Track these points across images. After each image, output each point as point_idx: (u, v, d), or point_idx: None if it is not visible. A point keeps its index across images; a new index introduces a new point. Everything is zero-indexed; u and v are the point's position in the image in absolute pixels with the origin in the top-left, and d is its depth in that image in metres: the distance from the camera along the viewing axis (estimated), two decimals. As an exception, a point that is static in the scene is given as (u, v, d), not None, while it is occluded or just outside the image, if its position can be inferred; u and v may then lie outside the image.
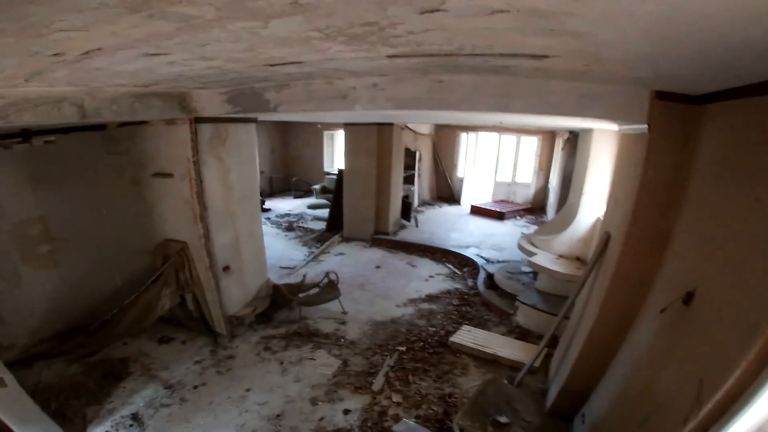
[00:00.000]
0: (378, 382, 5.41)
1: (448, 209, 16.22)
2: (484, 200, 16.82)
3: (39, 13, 1.73)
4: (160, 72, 3.55)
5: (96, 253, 6.59)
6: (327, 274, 7.54)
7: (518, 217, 15.13)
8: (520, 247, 8.02)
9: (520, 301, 7.16)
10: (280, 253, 10.54)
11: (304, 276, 7.97)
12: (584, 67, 3.05)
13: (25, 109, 3.86)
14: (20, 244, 5.84)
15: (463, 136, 17.71)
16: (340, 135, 17.86)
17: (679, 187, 3.65)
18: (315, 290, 7.47)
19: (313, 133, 18.73)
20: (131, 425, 4.68)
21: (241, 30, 2.20)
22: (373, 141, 11.51)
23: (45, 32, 1.97)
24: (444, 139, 17.89)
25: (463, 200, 17.23)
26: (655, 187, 3.78)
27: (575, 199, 7.73)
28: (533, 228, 13.55)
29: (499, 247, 11.23)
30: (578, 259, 7.26)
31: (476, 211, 15.40)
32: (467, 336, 6.42)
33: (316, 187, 16.56)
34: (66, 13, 1.76)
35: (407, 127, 13.38)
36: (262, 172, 17.41)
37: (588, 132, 7.44)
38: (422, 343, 6.36)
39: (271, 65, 3.48)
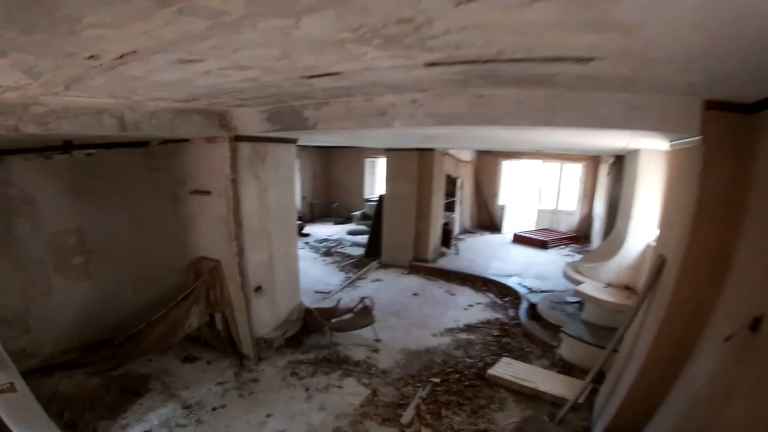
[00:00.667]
0: (408, 415, 5.08)
1: (489, 237, 15.78)
2: (527, 228, 16.32)
3: (69, 5, 1.74)
4: (197, 84, 3.49)
5: (129, 267, 6.67)
6: (362, 299, 7.33)
7: (562, 246, 14.59)
8: (566, 275, 7.61)
9: (564, 333, 6.73)
10: (317, 277, 10.40)
11: (338, 301, 7.76)
12: (631, 72, 2.82)
13: (65, 118, 3.93)
14: (55, 253, 5.98)
15: (505, 163, 17.31)
16: (381, 162, 17.84)
17: (738, 203, 3.33)
18: (349, 316, 7.25)
19: (355, 160, 18.80)
20: (142, 443, 4.53)
21: (273, 30, 2.14)
22: (413, 166, 11.37)
23: (77, 29, 1.98)
24: (485, 167, 17.55)
25: (504, 228, 16.69)
26: (713, 204, 3.46)
27: (623, 225, 7.31)
28: (578, 257, 13.03)
29: (542, 276, 10.76)
30: (627, 287, 6.82)
31: (518, 239, 14.95)
32: (506, 369, 6.03)
33: (357, 213, 16.49)
34: (95, 6, 1.77)
35: (448, 153, 13.18)
36: (303, 198, 17.70)
37: (634, 154, 7.06)
38: (458, 375, 6.00)
39: (308, 77, 3.38)
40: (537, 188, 16.97)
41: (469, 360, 6.48)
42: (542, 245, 14.17)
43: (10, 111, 3.56)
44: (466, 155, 15.84)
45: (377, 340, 7.04)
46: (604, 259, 7.15)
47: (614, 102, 3.55)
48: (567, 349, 6.61)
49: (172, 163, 6.35)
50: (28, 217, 5.66)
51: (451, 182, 14.01)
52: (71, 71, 2.82)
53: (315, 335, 7.04)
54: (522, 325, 7.77)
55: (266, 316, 6.49)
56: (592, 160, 15.52)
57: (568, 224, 16.34)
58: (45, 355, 5.82)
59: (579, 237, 15.52)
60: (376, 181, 19.05)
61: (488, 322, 8.07)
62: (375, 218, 12.49)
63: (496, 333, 7.54)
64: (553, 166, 16.55)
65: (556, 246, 14.47)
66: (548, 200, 16.91)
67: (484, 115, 3.95)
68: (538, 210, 16.96)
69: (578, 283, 7.03)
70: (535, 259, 12.56)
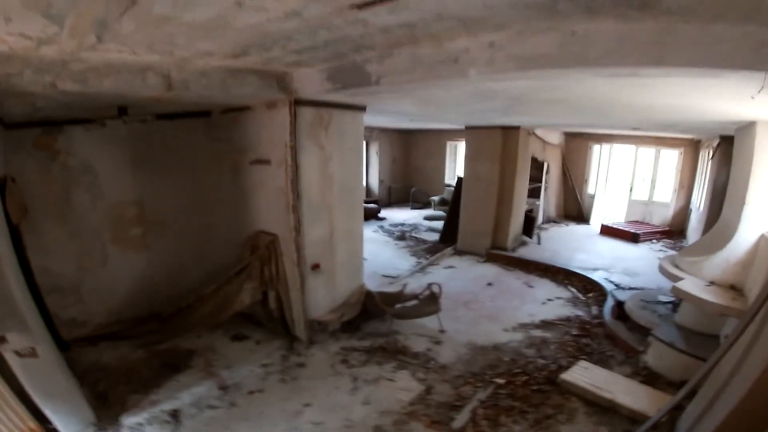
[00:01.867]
0: (461, 419, 4.56)
1: (575, 228, 14.79)
2: (616, 220, 15.11)
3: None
4: (236, 26, 3.15)
5: (188, 240, 6.67)
6: (429, 285, 6.88)
7: (654, 241, 13.36)
8: (662, 270, 6.70)
9: (654, 337, 5.93)
10: (386, 261, 10.07)
11: (404, 286, 7.33)
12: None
13: (106, 75, 3.80)
14: (113, 224, 6.04)
15: (596, 148, 16.11)
16: (462, 146, 17.00)
17: None
18: (413, 302, 6.83)
19: (436, 143, 18.33)
20: (167, 421, 4.40)
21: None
22: (497, 146, 10.70)
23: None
24: (574, 151, 16.38)
25: (592, 219, 15.68)
26: None
27: (732, 213, 6.33)
28: (671, 252, 11.84)
29: (632, 272, 9.81)
30: (733, 287, 5.87)
31: (607, 231, 13.88)
32: (582, 374, 5.36)
33: (435, 198, 16.02)
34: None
35: (535, 133, 12.33)
36: (381, 181, 17.53)
37: (749, 128, 6.02)
38: (526, 377, 5.40)
39: (359, 6, 2.85)
40: (630, 177, 15.67)
41: (541, 361, 5.86)
42: (633, 238, 13.08)
43: (48, 68, 3.45)
44: (554, 137, 14.81)
45: (441, 331, 6.57)
46: (709, 252, 6.20)
47: (739, 36, 2.75)
48: (655, 357, 5.83)
49: (233, 132, 6.21)
50: (88, 187, 5.72)
51: (537, 166, 13.19)
52: (91, 11, 2.62)
53: (374, 321, 6.69)
54: (605, 324, 7.00)
55: (323, 298, 6.21)
56: (691, 147, 14.16)
57: (661, 217, 14.99)
58: (95, 326, 5.91)
59: (673, 231, 14.23)
60: (457, 165, 18.37)
61: (567, 319, 7.36)
62: (453, 201, 11.96)
63: (575, 332, 6.83)
64: (648, 152, 15.19)
65: (648, 240, 13.33)
66: (641, 190, 15.60)
67: (579, 55, 3.21)
68: (630, 201, 15.67)
69: (676, 279, 6.16)
70: (625, 253, 11.57)
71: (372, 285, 7.24)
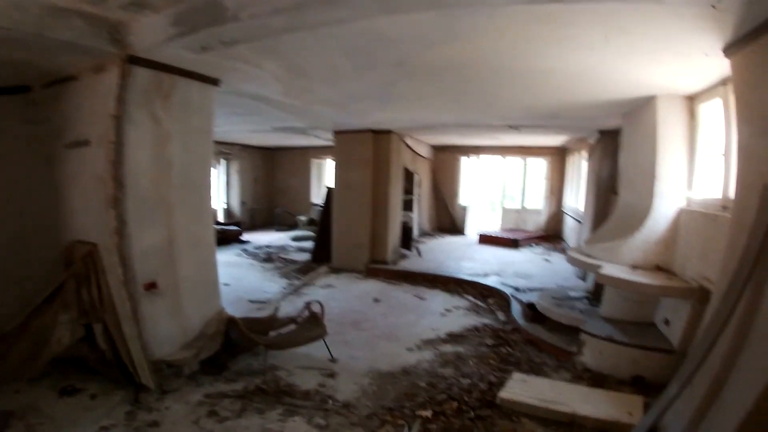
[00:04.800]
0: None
1: (452, 239, 14.23)
2: (492, 229, 15.04)
3: None
4: None
5: None
6: (308, 304, 5.35)
7: (533, 245, 13.32)
8: (573, 260, 5.96)
9: (587, 334, 5.00)
10: (253, 285, 8.33)
11: (276, 309, 5.70)
12: None
13: None
14: None
15: (464, 160, 15.93)
16: (329, 164, 16.24)
17: None
18: (291, 327, 5.26)
19: (301, 162, 17.04)
20: None
21: None
22: (368, 151, 9.74)
23: None
24: (443, 164, 16.10)
25: (467, 230, 15.36)
26: None
27: (638, 194, 5.83)
28: (555, 254, 11.73)
29: (525, 274, 9.17)
30: (659, 267, 5.25)
31: (485, 239, 13.54)
32: (523, 389, 4.18)
33: (303, 218, 14.57)
34: None
35: (406, 144, 11.48)
36: (243, 203, 15.87)
37: (649, 104, 5.49)
38: (456, 403, 4.05)
39: None
40: (500, 187, 15.87)
41: (465, 380, 4.56)
42: (513, 244, 12.88)
43: None
44: (424, 150, 14.38)
45: (332, 360, 5.04)
46: (623, 235, 5.49)
47: None
48: (593, 355, 4.91)
49: (54, 111, 4.65)
50: None
51: (408, 178, 12.35)
52: None
53: (245, 356, 4.97)
54: (521, 330, 5.99)
55: (167, 329, 4.42)
56: (558, 155, 14.92)
57: (535, 223, 15.32)
58: None
59: (549, 236, 14.51)
60: (323, 184, 17.12)
61: (476, 329, 6.24)
62: (323, 215, 10.53)
63: (490, 342, 5.71)
64: (516, 162, 15.50)
65: (528, 245, 13.27)
66: (513, 199, 15.88)
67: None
68: (504, 209, 15.83)
69: (593, 267, 5.35)
70: (510, 258, 11.09)
71: (239, 312, 5.54)
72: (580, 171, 11.83)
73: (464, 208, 15.82)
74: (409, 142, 12.18)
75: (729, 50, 3.48)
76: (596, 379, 4.61)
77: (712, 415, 3.01)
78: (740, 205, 3.46)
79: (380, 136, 9.75)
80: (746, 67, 3.36)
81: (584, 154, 11.05)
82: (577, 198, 12.10)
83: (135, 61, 4.01)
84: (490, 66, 4.52)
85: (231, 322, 4.80)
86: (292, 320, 5.35)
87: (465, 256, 11.26)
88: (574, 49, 3.87)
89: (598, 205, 8.93)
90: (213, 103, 5.00)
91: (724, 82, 4.33)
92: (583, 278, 8.44)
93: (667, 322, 4.91)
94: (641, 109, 5.84)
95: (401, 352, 5.42)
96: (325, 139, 12.38)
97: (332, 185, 10.26)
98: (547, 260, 10.98)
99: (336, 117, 8.24)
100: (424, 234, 14.48)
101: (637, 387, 4.38)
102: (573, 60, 4.21)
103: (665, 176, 5.32)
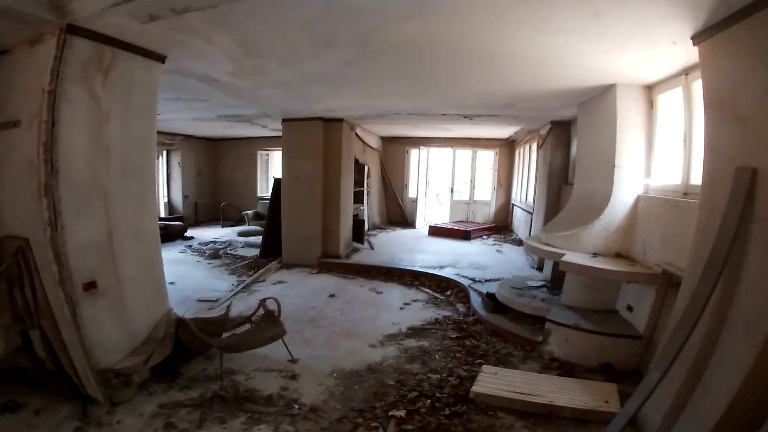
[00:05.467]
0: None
1: (403, 232, 14.01)
2: (441, 221, 15.01)
3: None
4: None
5: None
6: (262, 301, 5.04)
7: (485, 236, 13.29)
8: (531, 249, 5.92)
9: (552, 323, 4.95)
10: (200, 282, 7.86)
11: (228, 307, 5.34)
12: None
13: None
14: None
15: (414, 152, 15.72)
16: (276, 156, 15.78)
17: None
18: (245, 327, 4.94)
19: (247, 154, 16.25)
20: None
21: None
22: (318, 140, 9.42)
23: None
24: (393, 156, 15.84)
25: (417, 223, 15.17)
26: None
27: (594, 182, 5.84)
28: (506, 245, 11.75)
29: (480, 265, 9.10)
30: (619, 255, 5.24)
31: (436, 231, 13.40)
32: (495, 382, 4.06)
33: (249, 212, 13.99)
34: None
35: (356, 134, 11.21)
36: (185, 197, 15.08)
37: (607, 92, 5.49)
38: (429, 401, 3.88)
39: None
40: (449, 179, 15.78)
41: (434, 376, 4.40)
42: (465, 236, 12.79)
43: None
44: (373, 141, 14.13)
45: (292, 361, 4.75)
46: (582, 223, 5.47)
47: None
48: (560, 344, 4.88)
49: None
50: None
51: (359, 169, 12.11)
52: None
53: (198, 360, 4.62)
54: (483, 320, 5.89)
55: (112, 334, 3.97)
56: (506, 147, 15.01)
57: (484, 215, 15.42)
58: None
59: (499, 227, 14.59)
60: (270, 177, 16.57)
61: (437, 321, 6.09)
62: (271, 208, 10.09)
63: (453, 335, 5.56)
64: (465, 154, 15.46)
65: (478, 237, 13.21)
66: (462, 191, 15.88)
67: None
68: (452, 201, 15.85)
69: (553, 255, 5.35)
70: (463, 250, 10.97)
71: (189, 313, 5.16)
72: (529, 162, 11.84)
73: (414, 201, 15.68)
74: (359, 132, 11.89)
75: (698, 38, 3.45)
76: (565, 368, 4.57)
77: (696, 397, 2.98)
78: (709, 189, 3.44)
79: (331, 124, 9.45)
80: (717, 54, 3.33)
81: (534, 146, 11.09)
82: (526, 189, 12.12)
83: (74, 30, 3.54)
84: (454, 47, 4.32)
85: (181, 323, 4.42)
86: (246, 319, 5.03)
87: (418, 248, 11.11)
88: (543, 30, 3.72)
89: (550, 196, 9.02)
90: (158, 82, 4.53)
91: (685, 72, 4.33)
92: (538, 267, 8.50)
93: (630, 308, 4.92)
94: (598, 98, 5.81)
95: (364, 348, 5.19)
96: (272, 129, 11.92)
97: (281, 175, 9.86)
98: (499, 251, 10.98)
99: (286, 103, 7.83)
100: (375, 227, 14.28)
101: (607, 374, 4.37)
102: (540, 44, 4.05)
103: (624, 164, 5.30)
